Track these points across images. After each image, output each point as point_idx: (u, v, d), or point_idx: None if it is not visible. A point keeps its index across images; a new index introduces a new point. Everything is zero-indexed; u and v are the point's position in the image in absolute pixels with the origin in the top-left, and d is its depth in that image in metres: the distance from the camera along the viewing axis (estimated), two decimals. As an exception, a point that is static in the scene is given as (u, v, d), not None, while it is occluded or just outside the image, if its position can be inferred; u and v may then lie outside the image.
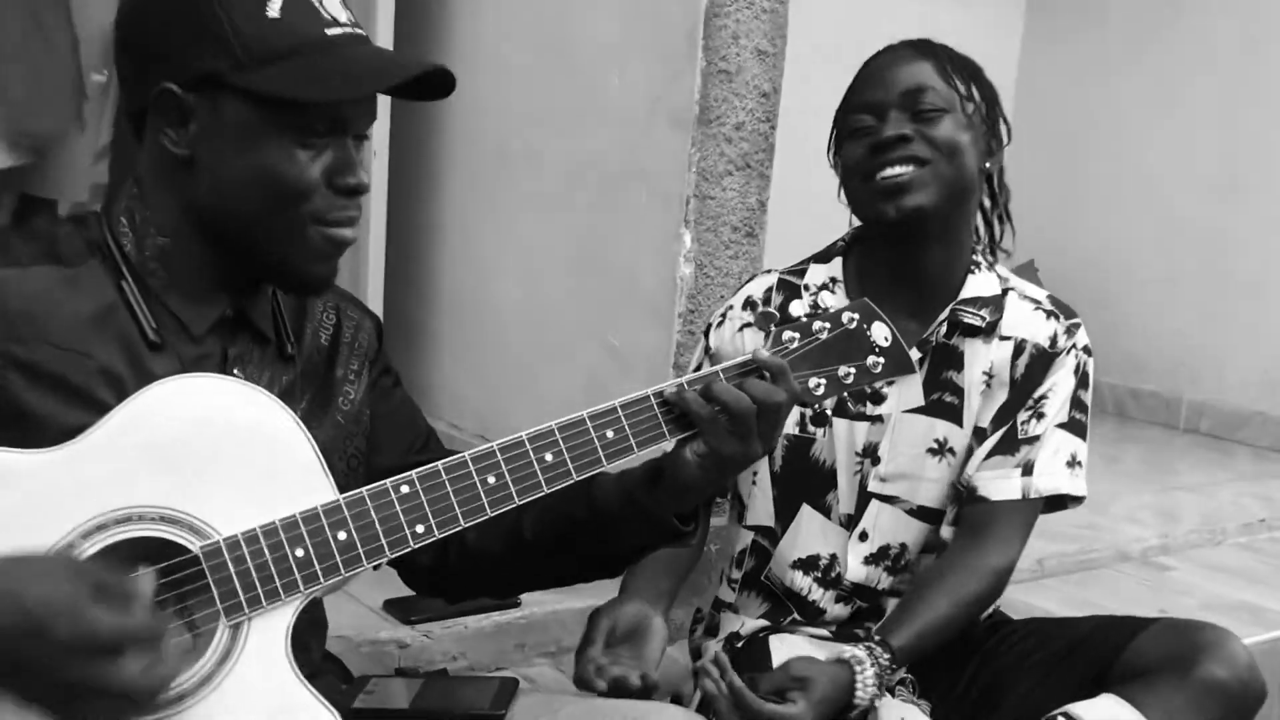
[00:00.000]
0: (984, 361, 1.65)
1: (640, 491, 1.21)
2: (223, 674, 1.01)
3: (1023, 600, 2.41)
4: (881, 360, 1.23)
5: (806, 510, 1.67)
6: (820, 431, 1.65)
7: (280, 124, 1.07)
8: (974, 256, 1.67)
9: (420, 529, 1.07)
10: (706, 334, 1.73)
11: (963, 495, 1.65)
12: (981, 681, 1.63)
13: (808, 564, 1.67)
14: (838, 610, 1.69)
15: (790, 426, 1.64)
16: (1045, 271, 4.49)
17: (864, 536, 1.67)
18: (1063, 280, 4.53)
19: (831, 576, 1.68)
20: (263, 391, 1.07)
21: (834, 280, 1.66)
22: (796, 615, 1.70)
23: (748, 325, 1.66)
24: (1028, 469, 1.63)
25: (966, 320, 1.63)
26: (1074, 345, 1.67)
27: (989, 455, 1.64)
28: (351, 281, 2.91)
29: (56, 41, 2.14)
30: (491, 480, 1.09)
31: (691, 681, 1.76)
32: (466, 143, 3.07)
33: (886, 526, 1.66)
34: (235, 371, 1.15)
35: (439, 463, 1.09)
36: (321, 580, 1.04)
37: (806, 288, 1.66)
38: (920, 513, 1.66)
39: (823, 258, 1.70)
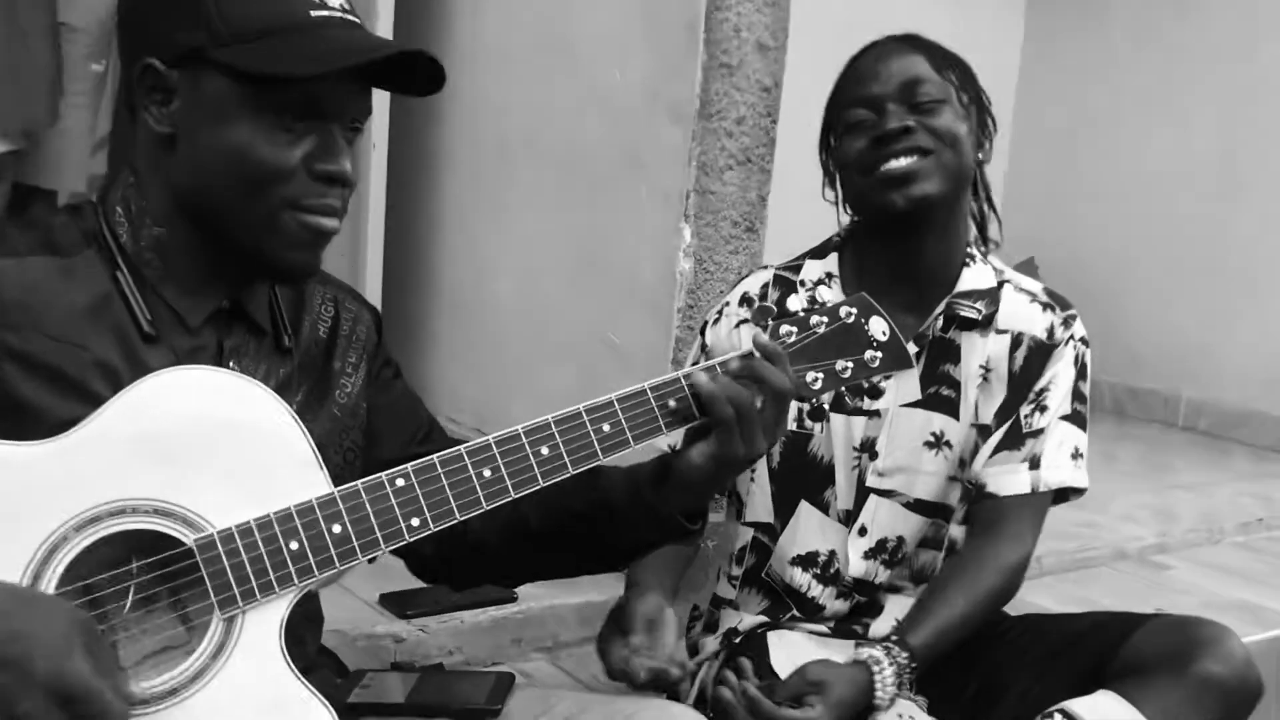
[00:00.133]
0: (980, 355, 1.65)
1: (648, 488, 1.21)
2: (216, 668, 1.00)
3: (1020, 598, 2.39)
4: (879, 355, 1.22)
5: (805, 506, 1.66)
6: (818, 427, 1.65)
7: (259, 102, 1.06)
8: (969, 250, 1.66)
9: (416, 522, 1.06)
10: (703, 331, 1.73)
11: (971, 493, 1.66)
12: (979, 678, 1.63)
13: (807, 560, 1.67)
14: (837, 606, 1.69)
15: (788, 423, 1.64)
16: (1045, 269, 4.49)
17: (863, 531, 1.67)
18: (1062, 278, 4.52)
19: (831, 573, 1.68)
20: (258, 384, 1.06)
21: (830, 275, 1.66)
22: (795, 612, 1.70)
23: (744, 321, 1.66)
24: (1034, 463, 1.64)
25: (963, 313, 1.63)
26: (1072, 336, 1.67)
27: (995, 451, 1.65)
28: (350, 276, 2.90)
29: (32, 34, 2.13)
30: (487, 473, 1.09)
31: (687, 681, 1.76)
32: (466, 137, 3.06)
33: (884, 520, 1.66)
34: (231, 364, 1.14)
35: (434, 456, 1.08)
36: (316, 573, 1.03)
37: (802, 283, 1.66)
38: (918, 506, 1.66)
39: (818, 253, 1.70)
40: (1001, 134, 5.44)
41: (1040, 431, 1.64)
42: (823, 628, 1.69)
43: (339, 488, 1.05)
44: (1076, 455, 1.66)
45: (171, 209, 1.11)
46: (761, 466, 1.67)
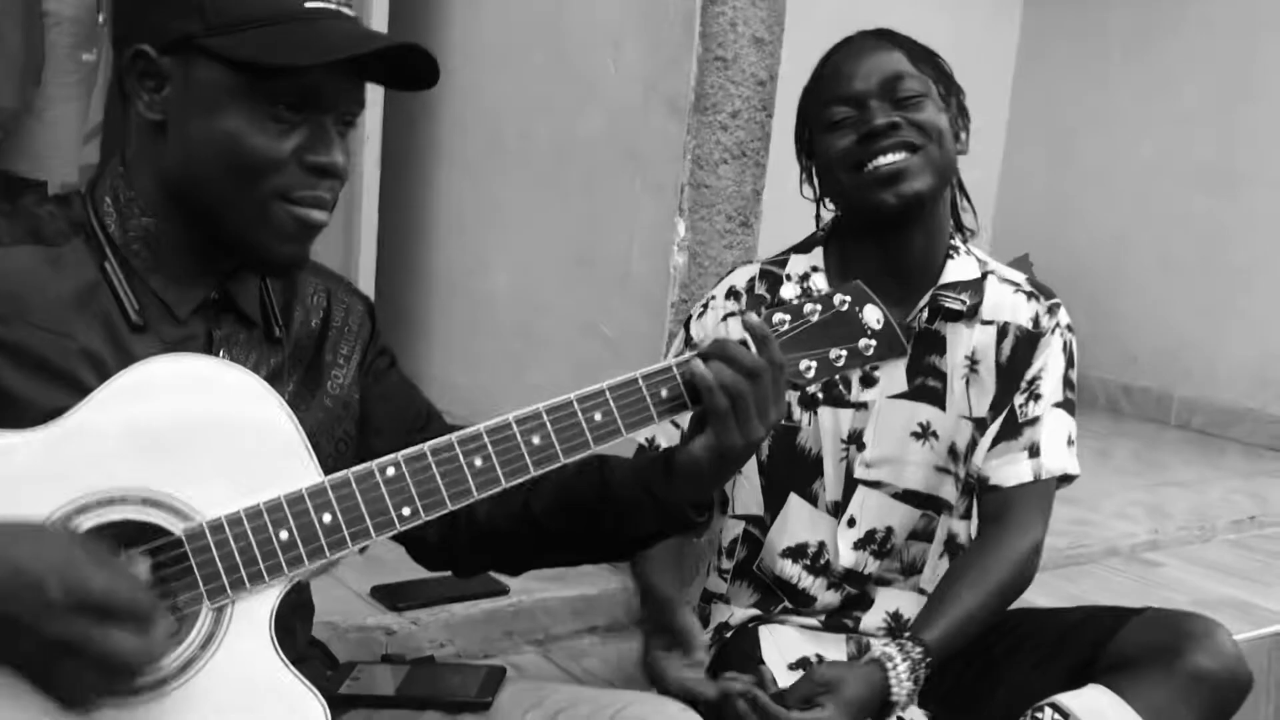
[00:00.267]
0: (966, 345, 1.65)
1: (655, 479, 1.21)
2: (206, 657, 1.00)
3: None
4: (873, 343, 1.22)
5: (794, 499, 1.67)
6: (805, 420, 1.65)
7: (251, 92, 1.06)
8: (951, 241, 1.67)
9: (407, 511, 1.06)
10: (687, 325, 1.72)
11: (973, 487, 1.67)
12: (971, 671, 1.63)
13: (797, 552, 1.68)
14: (828, 598, 1.69)
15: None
16: (1039, 266, 4.49)
17: (852, 522, 1.67)
18: (1057, 275, 4.53)
19: (821, 564, 1.68)
20: (248, 373, 1.06)
21: (815, 269, 1.67)
22: (788, 604, 1.70)
23: (731, 314, 1.66)
24: (1034, 450, 1.64)
25: (947, 305, 1.64)
26: (1058, 324, 1.68)
27: (994, 444, 1.65)
28: (343, 268, 2.90)
29: (4, 19, 2.12)
30: (478, 462, 1.08)
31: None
32: (460, 129, 3.05)
33: (873, 511, 1.67)
34: (220, 354, 1.14)
35: (425, 445, 1.08)
36: (306, 563, 1.03)
37: (788, 277, 1.66)
38: (907, 496, 1.67)
39: (803, 248, 1.70)
40: (997, 131, 5.44)
41: (1037, 419, 1.65)
42: (814, 621, 1.69)
43: (329, 477, 1.05)
44: (1070, 442, 1.68)
45: (161, 198, 1.11)
46: (750, 460, 1.67)
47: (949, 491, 1.68)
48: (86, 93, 2.32)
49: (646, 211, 2.36)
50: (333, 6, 1.09)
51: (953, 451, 1.66)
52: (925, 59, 1.61)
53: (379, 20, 2.74)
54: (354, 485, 1.05)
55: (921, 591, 1.70)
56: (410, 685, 1.34)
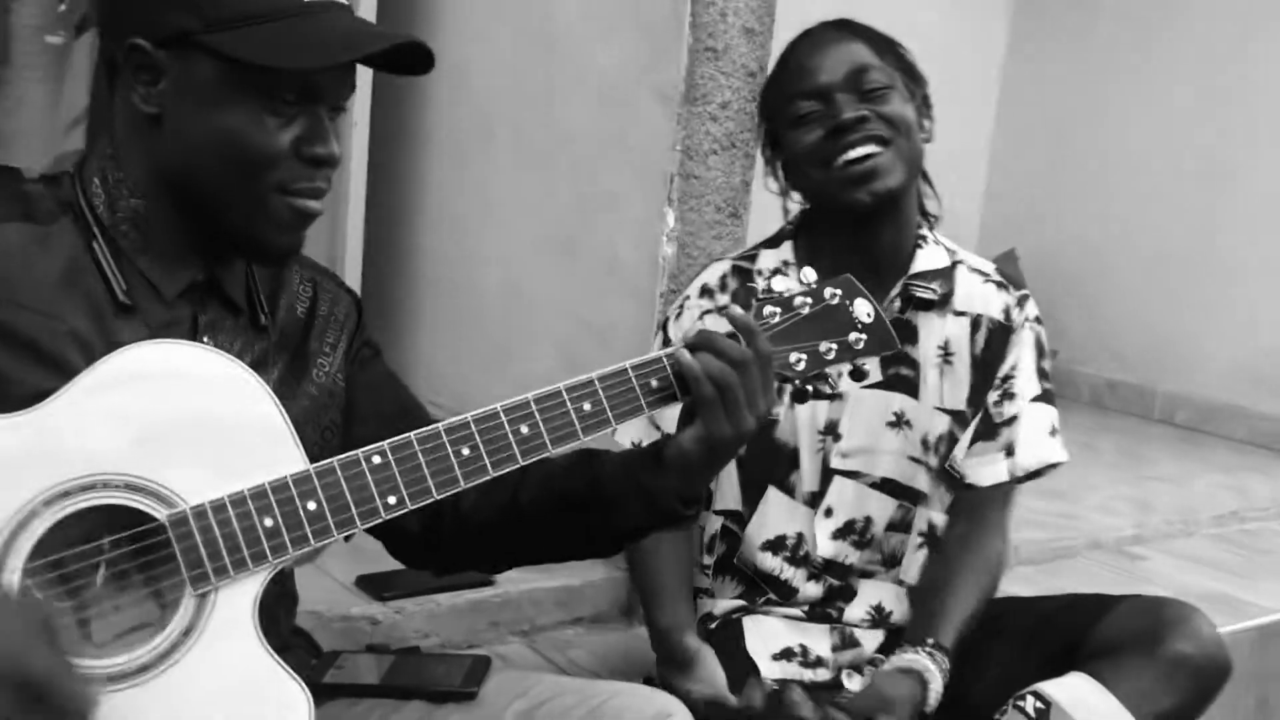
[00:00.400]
0: (938, 336, 1.66)
1: (644, 472, 1.20)
2: (187, 645, 0.99)
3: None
4: (864, 337, 1.22)
5: (772, 491, 1.67)
6: (781, 413, 1.65)
7: (250, 88, 1.06)
8: (920, 230, 1.67)
9: (392, 500, 1.05)
10: (664, 327, 1.72)
11: (953, 482, 1.69)
12: (957, 660, 1.64)
13: (776, 544, 1.68)
14: (810, 589, 1.70)
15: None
16: (1026, 261, 4.49)
17: (829, 512, 1.68)
18: (1043, 270, 4.54)
19: (800, 555, 1.69)
20: (233, 360, 1.05)
21: (786, 264, 1.67)
22: (772, 595, 1.70)
23: (708, 312, 1.65)
24: (1010, 450, 1.67)
25: (919, 295, 1.64)
26: (1027, 318, 1.70)
27: (972, 443, 1.68)
28: (329, 256, 2.88)
29: None
30: (466, 451, 1.08)
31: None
32: (449, 117, 3.04)
33: (850, 501, 1.68)
34: (205, 339, 1.13)
35: (412, 433, 1.07)
36: (290, 550, 1.02)
37: (759, 273, 1.66)
38: (883, 485, 1.68)
39: (772, 243, 1.70)
40: (985, 126, 5.44)
41: (1013, 419, 1.67)
42: (797, 612, 1.70)
43: (315, 464, 1.04)
44: (1054, 432, 1.70)
45: (152, 183, 1.11)
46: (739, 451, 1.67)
47: (923, 482, 1.68)
48: (56, 77, 2.28)
49: (636, 202, 2.35)
50: None
51: (925, 442, 1.67)
52: (888, 49, 1.61)
53: (368, 8, 2.72)
54: (339, 473, 1.04)
55: (900, 583, 1.71)
56: (395, 675, 1.34)
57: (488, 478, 1.09)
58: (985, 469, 1.68)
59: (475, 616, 2.18)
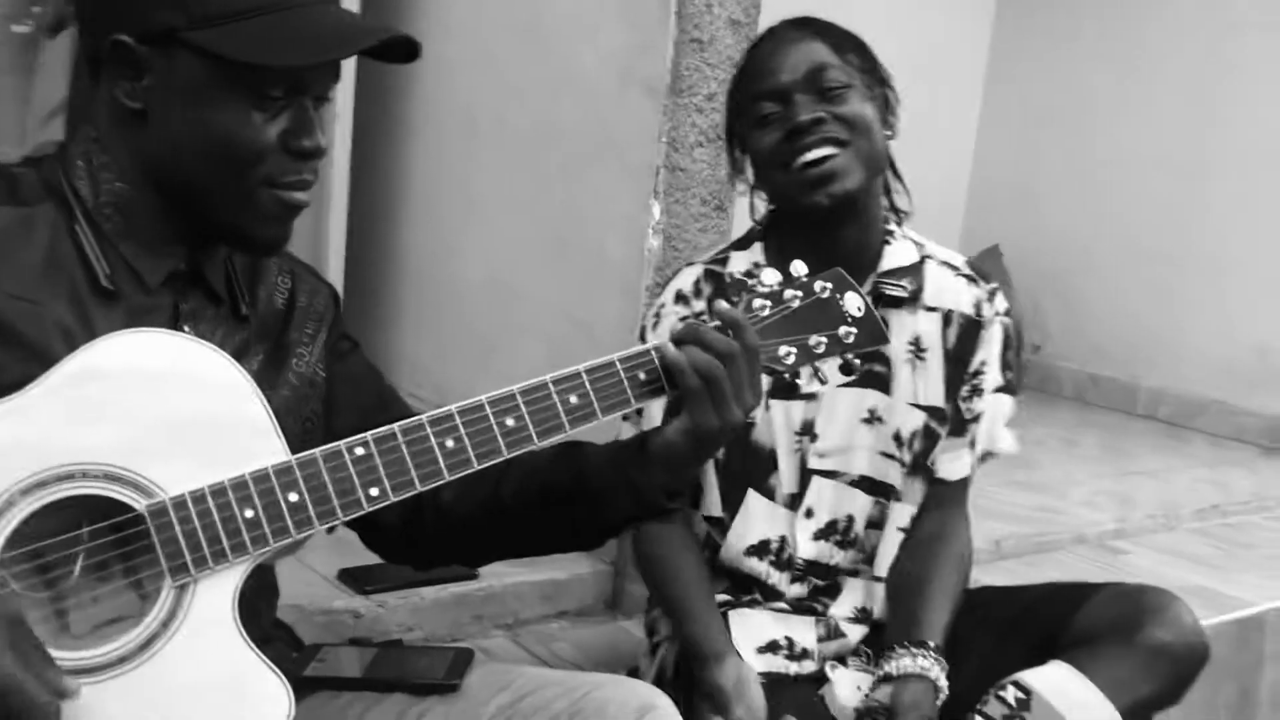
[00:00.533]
0: (909, 332, 1.66)
1: (629, 463, 1.20)
2: (166, 637, 0.98)
3: (978, 579, 2.42)
4: (854, 330, 1.21)
5: (752, 495, 1.67)
6: (758, 415, 1.65)
7: (236, 84, 1.05)
8: (887, 226, 1.67)
9: (375, 491, 1.04)
10: (642, 336, 1.71)
11: (928, 477, 1.69)
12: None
13: (760, 549, 1.68)
14: (795, 590, 1.70)
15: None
16: (1009, 257, 4.51)
17: (809, 513, 1.68)
18: (1027, 266, 4.56)
19: (784, 558, 1.68)
20: (214, 349, 1.05)
21: (758, 265, 1.66)
22: (758, 595, 1.70)
23: (685, 318, 1.64)
24: (973, 443, 1.71)
25: (889, 292, 1.64)
26: (997, 312, 1.70)
27: (944, 438, 1.69)
28: (313, 249, 2.86)
29: None
30: (450, 444, 1.07)
31: (649, 658, 1.76)
32: (433, 109, 3.02)
33: (830, 501, 1.68)
34: (186, 328, 1.12)
35: (395, 425, 1.06)
36: (271, 542, 1.01)
37: (731, 275, 1.66)
38: (862, 483, 1.68)
39: (742, 244, 1.70)
40: (968, 123, 5.43)
41: (980, 415, 1.70)
42: (783, 605, 1.69)
43: (296, 455, 1.03)
44: (1007, 422, 1.73)
45: (137, 172, 1.10)
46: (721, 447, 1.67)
47: (895, 477, 1.69)
48: (25, 68, 2.25)
49: (621, 194, 2.35)
50: None
51: (897, 437, 1.67)
52: (850, 47, 1.60)
53: (352, 0, 2.71)
54: (321, 464, 1.03)
55: (876, 579, 1.71)
56: (377, 667, 1.33)
57: (472, 470, 1.08)
58: (954, 464, 1.70)
59: (459, 610, 2.17)
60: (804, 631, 1.68)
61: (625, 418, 1.63)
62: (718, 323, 1.16)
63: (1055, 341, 4.66)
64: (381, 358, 3.08)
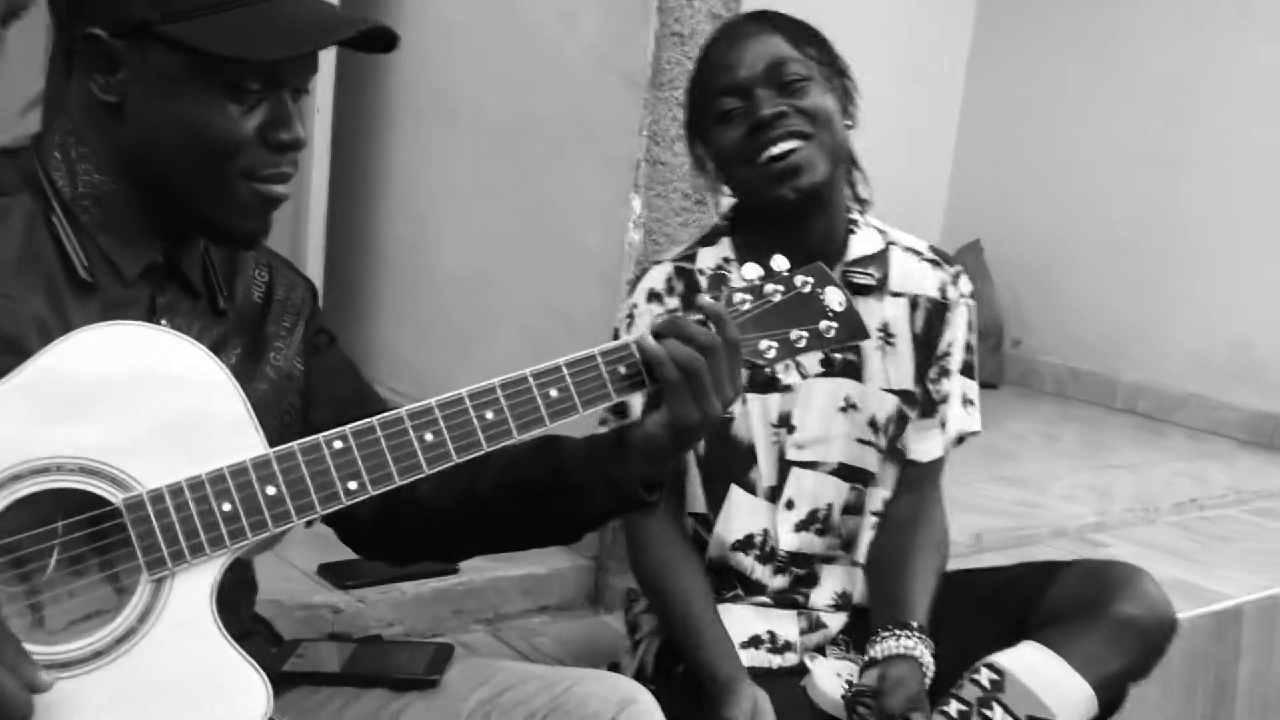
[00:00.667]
0: (877, 318, 1.67)
1: (607, 457, 1.19)
2: (143, 630, 0.97)
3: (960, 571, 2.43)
4: (835, 325, 1.21)
5: (735, 490, 1.67)
6: (737, 409, 1.65)
7: (211, 77, 1.04)
8: (851, 215, 1.68)
9: (353, 485, 1.04)
10: (616, 338, 1.70)
11: (900, 460, 1.71)
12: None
13: (745, 544, 1.68)
14: (777, 582, 1.70)
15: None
16: (990, 251, 4.52)
17: (790, 505, 1.68)
18: (1007, 261, 4.57)
19: (767, 550, 1.69)
20: (192, 342, 1.04)
21: (727, 260, 1.66)
22: (740, 591, 1.70)
23: (659, 316, 1.64)
24: (944, 424, 1.72)
25: (857, 281, 1.65)
26: (962, 295, 1.72)
27: (914, 420, 1.70)
28: (292, 241, 2.85)
29: None
30: (429, 437, 1.06)
31: (630, 654, 1.76)
32: (412, 101, 3.01)
33: (809, 491, 1.68)
34: (163, 321, 1.11)
35: (374, 418, 1.06)
36: (249, 535, 1.00)
37: (701, 272, 1.65)
38: (840, 471, 1.69)
39: (709, 240, 1.70)
40: (948, 118, 5.42)
41: (947, 396, 1.72)
42: (765, 599, 1.70)
43: (274, 449, 1.02)
44: (968, 402, 1.74)
45: (114, 165, 1.09)
46: (689, 457, 1.67)
47: (872, 463, 1.70)
48: None
49: (602, 187, 2.34)
50: None
51: (873, 424, 1.68)
52: (808, 39, 1.60)
53: (330, -11, 2.68)
54: (299, 458, 1.02)
55: (855, 564, 1.72)
56: (356, 663, 1.32)
57: (451, 464, 1.08)
58: (926, 445, 1.71)
59: (439, 605, 2.17)
60: (786, 625, 1.68)
61: (603, 421, 1.63)
62: (699, 316, 1.15)
63: (1035, 336, 4.67)
64: (361, 350, 3.07)
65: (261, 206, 1.10)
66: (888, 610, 1.62)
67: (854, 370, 1.67)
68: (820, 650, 1.68)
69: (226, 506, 0.99)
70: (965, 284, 1.73)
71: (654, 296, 1.66)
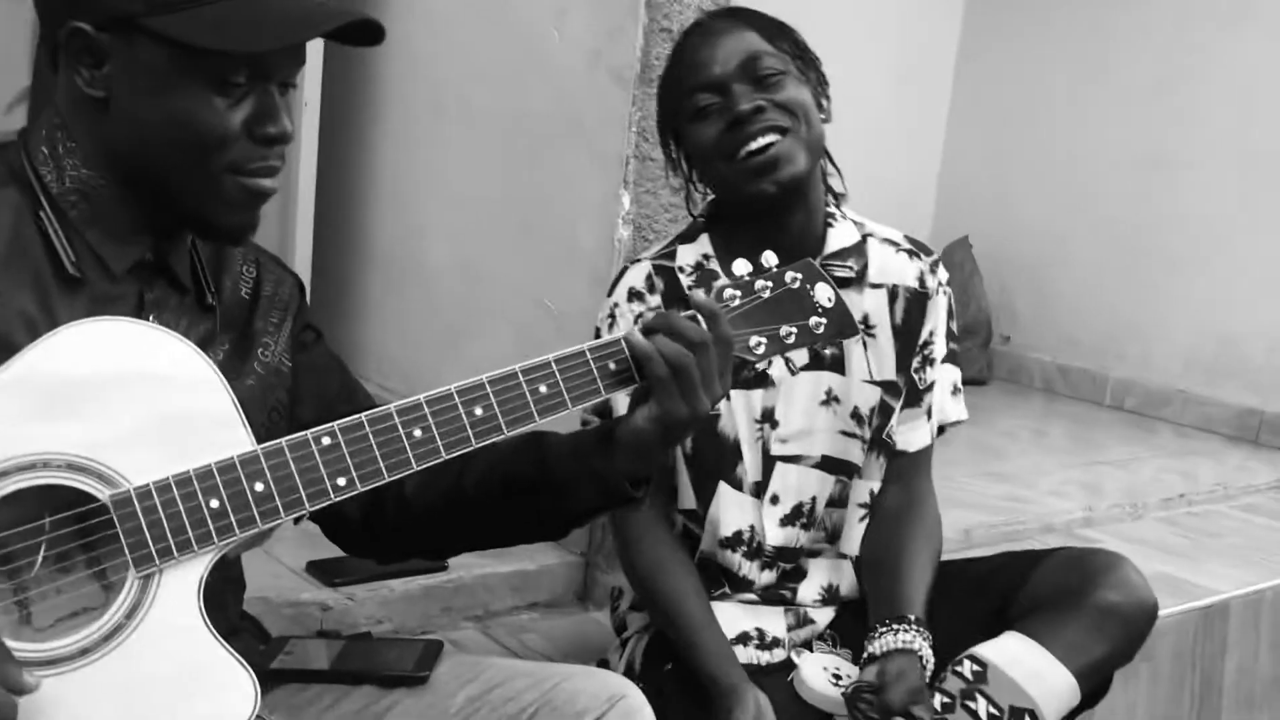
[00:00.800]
0: (858, 310, 1.67)
1: (593, 453, 1.19)
2: (130, 628, 0.97)
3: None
4: (824, 321, 1.21)
5: (723, 487, 1.67)
6: (722, 406, 1.64)
7: (197, 70, 1.04)
8: (828, 209, 1.68)
9: (342, 481, 1.03)
10: (597, 337, 1.70)
11: (887, 450, 1.71)
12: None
13: (734, 541, 1.68)
14: (765, 578, 1.70)
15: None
16: (979, 249, 4.53)
17: (775, 500, 1.68)
18: (997, 258, 4.58)
19: (754, 546, 1.69)
20: (179, 338, 1.03)
21: (707, 257, 1.66)
22: (727, 589, 1.70)
23: (641, 315, 1.64)
24: (930, 413, 1.72)
25: (836, 274, 1.65)
26: (940, 283, 1.72)
27: (900, 409, 1.71)
28: (280, 238, 2.84)
29: None
30: (418, 433, 1.06)
31: (619, 653, 1.76)
32: (400, 96, 3.00)
33: (794, 485, 1.68)
34: (151, 317, 1.11)
35: (363, 414, 1.05)
36: (237, 532, 1.00)
37: (681, 269, 1.66)
38: (824, 464, 1.69)
39: (687, 238, 1.70)
40: (938, 115, 5.41)
41: (933, 384, 1.72)
42: (752, 595, 1.70)
43: (262, 445, 1.02)
44: (956, 390, 1.75)
45: (101, 160, 1.08)
46: (678, 454, 1.67)
47: (856, 455, 1.70)
48: None
49: (591, 183, 2.34)
50: None
51: (856, 415, 1.68)
52: (780, 34, 1.60)
53: (318, -16, 2.67)
54: (288, 454, 1.02)
55: (843, 556, 1.72)
56: (345, 659, 1.32)
57: (440, 460, 1.07)
58: (914, 434, 1.72)
59: (428, 602, 2.16)
60: (774, 621, 1.68)
61: (585, 423, 1.62)
62: (690, 311, 1.15)
63: (1024, 332, 4.69)
64: (349, 347, 3.07)
65: (249, 201, 1.10)
66: (884, 604, 1.62)
67: (836, 363, 1.67)
68: (807, 645, 1.69)
69: (214, 503, 0.99)
70: (943, 272, 1.73)
71: (635, 295, 1.65)
